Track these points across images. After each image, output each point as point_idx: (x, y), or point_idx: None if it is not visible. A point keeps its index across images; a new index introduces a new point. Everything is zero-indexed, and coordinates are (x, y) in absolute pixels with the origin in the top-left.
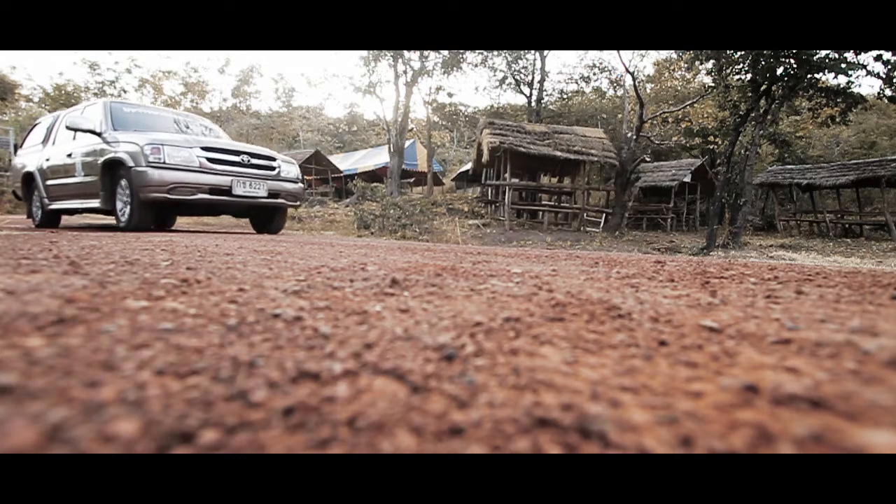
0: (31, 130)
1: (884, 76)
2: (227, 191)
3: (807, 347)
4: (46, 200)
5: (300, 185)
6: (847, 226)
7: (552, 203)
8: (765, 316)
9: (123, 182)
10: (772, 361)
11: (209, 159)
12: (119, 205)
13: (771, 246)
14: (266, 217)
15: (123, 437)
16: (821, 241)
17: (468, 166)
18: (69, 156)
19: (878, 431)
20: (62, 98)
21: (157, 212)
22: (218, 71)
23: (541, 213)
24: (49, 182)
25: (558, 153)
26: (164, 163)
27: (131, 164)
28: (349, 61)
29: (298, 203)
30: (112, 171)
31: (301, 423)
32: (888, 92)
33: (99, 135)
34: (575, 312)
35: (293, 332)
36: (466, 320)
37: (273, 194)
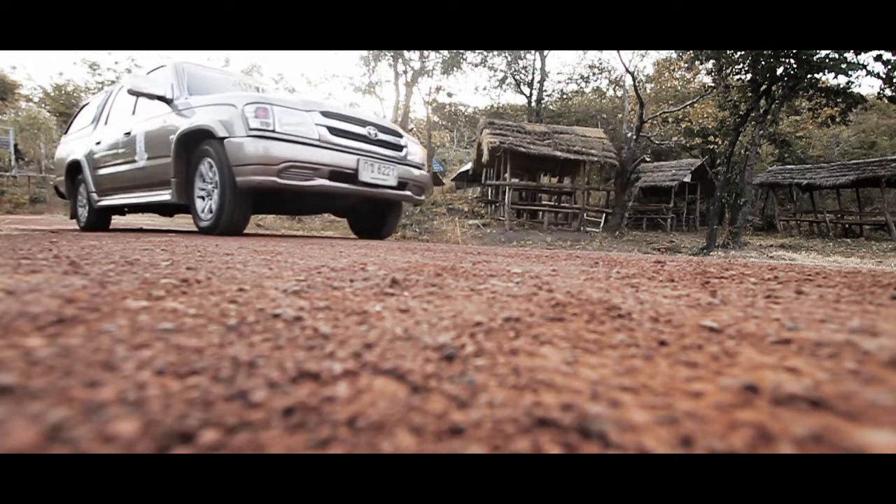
0: (78, 112)
1: (884, 76)
2: (351, 176)
3: (807, 347)
4: (95, 195)
5: (426, 172)
6: (847, 226)
7: (552, 203)
8: (765, 316)
9: (207, 164)
10: (772, 361)
11: (330, 129)
12: (199, 198)
13: (771, 246)
14: (378, 216)
15: (123, 437)
16: (821, 241)
17: (468, 166)
18: (127, 135)
19: (878, 431)
20: (62, 98)
21: (255, 205)
22: None
23: (541, 213)
24: (99, 171)
25: (558, 153)
26: (273, 131)
27: (223, 133)
28: (349, 61)
29: (424, 198)
30: (189, 150)
31: (301, 423)
32: (888, 92)
33: (169, 102)
34: (575, 312)
35: (293, 332)
36: (466, 320)
37: (401, 184)
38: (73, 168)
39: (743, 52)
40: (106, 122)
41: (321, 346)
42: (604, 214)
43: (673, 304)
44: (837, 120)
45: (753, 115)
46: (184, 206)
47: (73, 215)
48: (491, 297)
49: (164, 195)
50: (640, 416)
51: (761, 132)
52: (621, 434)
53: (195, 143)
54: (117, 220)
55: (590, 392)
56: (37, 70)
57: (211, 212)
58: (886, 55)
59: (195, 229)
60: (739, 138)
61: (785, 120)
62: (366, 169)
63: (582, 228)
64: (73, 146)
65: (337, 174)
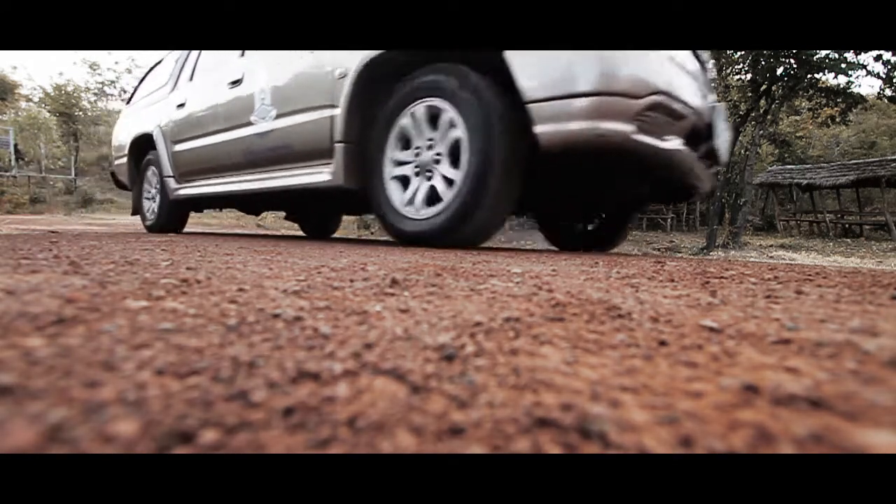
0: (147, 74)
1: (884, 76)
2: (701, 134)
3: (807, 347)
4: (172, 181)
5: None
6: (847, 226)
7: None
8: (765, 316)
9: (422, 114)
10: (772, 361)
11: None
12: (395, 178)
13: (771, 246)
14: (614, 214)
15: (123, 437)
16: (821, 241)
17: None
18: (234, 84)
19: (878, 431)
20: (62, 98)
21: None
22: None
23: None
24: (181, 146)
25: None
26: None
27: None
28: None
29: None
30: (372, 94)
31: (301, 423)
32: (888, 92)
33: None
34: (575, 312)
35: (293, 332)
36: (466, 320)
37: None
38: (141, 145)
39: (743, 52)
40: (191, 78)
41: (321, 346)
42: None
43: (673, 304)
44: (837, 120)
45: (753, 115)
46: (355, 191)
47: (136, 210)
48: (491, 297)
49: (316, 174)
50: (640, 416)
51: (761, 132)
52: (621, 434)
53: (390, 80)
54: (116, 221)
55: (590, 392)
56: (37, 70)
57: (431, 203)
58: (886, 55)
59: (193, 230)
60: (739, 138)
61: (785, 120)
62: (719, 123)
63: None
64: (139, 117)
65: (695, 130)
